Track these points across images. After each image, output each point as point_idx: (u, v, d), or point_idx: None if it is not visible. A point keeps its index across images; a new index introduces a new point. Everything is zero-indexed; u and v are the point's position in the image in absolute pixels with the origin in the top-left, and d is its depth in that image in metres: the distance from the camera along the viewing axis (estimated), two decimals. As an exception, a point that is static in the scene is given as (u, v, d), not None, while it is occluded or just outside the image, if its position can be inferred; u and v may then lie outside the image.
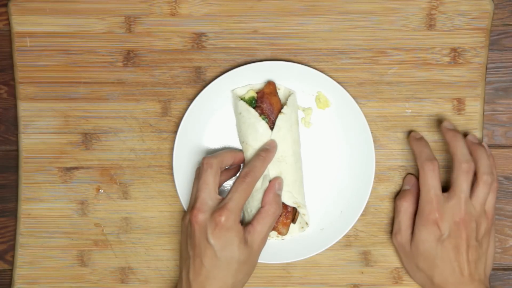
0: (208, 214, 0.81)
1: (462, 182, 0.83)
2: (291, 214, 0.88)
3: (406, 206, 0.87)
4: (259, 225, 0.82)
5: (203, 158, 0.83)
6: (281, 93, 0.89)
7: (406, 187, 0.89)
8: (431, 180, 0.83)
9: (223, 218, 0.80)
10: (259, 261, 0.87)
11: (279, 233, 0.88)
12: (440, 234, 0.83)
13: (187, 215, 0.83)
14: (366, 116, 0.88)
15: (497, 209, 0.92)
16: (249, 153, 0.86)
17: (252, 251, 0.82)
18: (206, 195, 0.82)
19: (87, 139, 0.91)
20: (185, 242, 0.83)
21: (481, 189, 0.84)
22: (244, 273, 0.82)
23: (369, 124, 0.88)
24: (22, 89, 0.91)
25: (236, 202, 0.81)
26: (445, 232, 0.83)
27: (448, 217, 0.83)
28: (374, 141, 0.89)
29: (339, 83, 0.88)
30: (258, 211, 0.83)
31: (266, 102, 0.87)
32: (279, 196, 0.85)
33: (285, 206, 0.87)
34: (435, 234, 0.83)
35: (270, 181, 0.85)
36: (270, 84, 0.88)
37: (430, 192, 0.83)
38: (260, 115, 0.86)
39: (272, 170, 0.85)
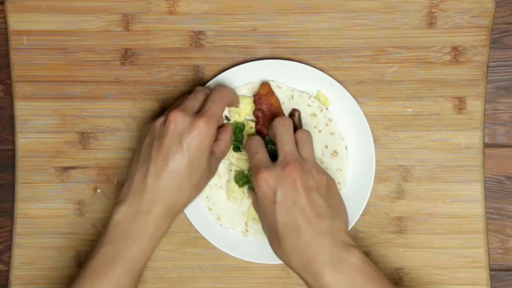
0: (188, 117, 0.78)
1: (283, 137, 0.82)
2: None
3: None
4: (224, 135, 0.83)
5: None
6: (282, 92, 0.89)
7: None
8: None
9: (204, 125, 0.78)
10: (258, 261, 0.87)
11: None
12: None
13: (162, 116, 0.80)
14: (366, 115, 0.88)
15: (498, 209, 0.91)
16: None
17: (216, 163, 0.82)
18: (191, 103, 0.81)
19: (84, 138, 0.91)
20: (148, 144, 0.79)
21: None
22: (201, 188, 0.81)
23: (369, 123, 0.88)
24: (19, 88, 0.91)
25: (215, 110, 0.80)
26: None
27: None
28: (374, 141, 0.88)
29: (339, 81, 0.88)
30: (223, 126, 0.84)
31: (265, 103, 0.87)
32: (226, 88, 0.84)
33: None
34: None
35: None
36: (265, 85, 0.88)
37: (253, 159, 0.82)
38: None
39: None
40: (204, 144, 0.78)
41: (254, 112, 0.88)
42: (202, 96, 0.82)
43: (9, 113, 0.92)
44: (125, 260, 0.77)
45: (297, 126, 0.88)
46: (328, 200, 0.79)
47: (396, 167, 0.90)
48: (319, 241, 0.77)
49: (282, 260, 0.80)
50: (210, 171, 0.82)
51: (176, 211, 0.80)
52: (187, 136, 0.77)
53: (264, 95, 0.87)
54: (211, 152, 0.81)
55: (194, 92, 0.83)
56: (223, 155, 0.84)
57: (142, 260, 0.78)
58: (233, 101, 0.85)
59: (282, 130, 0.82)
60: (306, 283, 0.79)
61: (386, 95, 0.90)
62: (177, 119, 0.78)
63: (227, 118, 0.89)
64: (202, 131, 0.78)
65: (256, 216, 0.89)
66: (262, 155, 0.81)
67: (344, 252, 0.77)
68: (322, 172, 0.81)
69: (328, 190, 0.80)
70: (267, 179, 0.78)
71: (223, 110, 0.82)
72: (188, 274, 0.91)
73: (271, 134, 0.84)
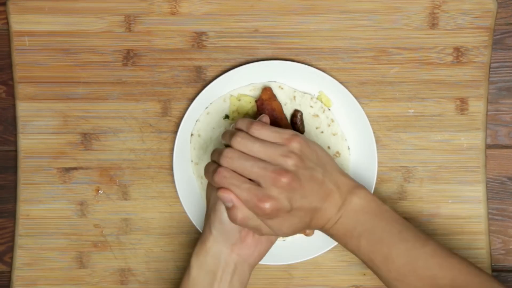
0: None
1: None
2: None
3: None
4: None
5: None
6: (284, 93, 0.89)
7: None
8: None
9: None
10: (260, 262, 0.87)
11: (306, 234, 0.88)
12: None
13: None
14: (368, 116, 0.88)
15: (500, 210, 0.91)
16: None
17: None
18: None
19: (87, 139, 0.91)
20: None
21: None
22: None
23: (371, 124, 0.88)
24: (21, 89, 0.91)
25: None
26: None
27: None
28: (376, 141, 0.88)
29: (340, 82, 0.88)
30: None
31: (267, 108, 0.87)
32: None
33: None
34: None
35: None
36: (267, 90, 0.88)
37: None
38: None
39: None
40: None
41: (257, 118, 0.88)
42: None
43: (11, 114, 0.92)
44: None
45: (299, 127, 0.88)
46: (307, 165, 0.77)
47: (398, 168, 0.90)
48: (326, 204, 0.78)
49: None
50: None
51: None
52: None
53: (266, 100, 0.87)
54: None
55: None
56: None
57: None
58: None
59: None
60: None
61: (388, 96, 0.90)
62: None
63: (227, 116, 0.89)
64: None
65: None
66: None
67: (348, 196, 0.78)
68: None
69: (301, 158, 0.77)
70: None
71: None
72: (190, 275, 0.91)
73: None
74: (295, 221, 0.76)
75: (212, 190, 0.81)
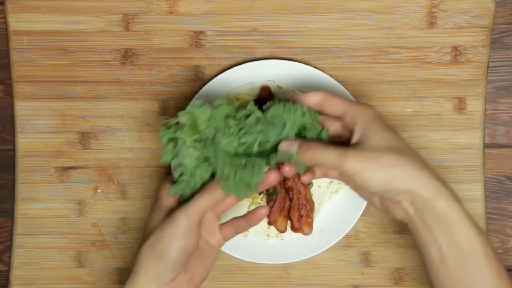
0: None
1: None
2: (311, 213, 0.88)
3: None
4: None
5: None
6: (282, 92, 0.89)
7: None
8: None
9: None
10: (259, 261, 0.87)
11: (304, 233, 0.88)
12: None
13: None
14: (366, 115, 0.88)
15: (498, 209, 0.91)
16: None
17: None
18: None
19: (85, 138, 0.91)
20: None
21: None
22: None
23: (369, 123, 0.88)
24: (19, 88, 0.90)
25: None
26: None
27: None
28: (375, 141, 0.88)
29: (339, 82, 0.88)
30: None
31: None
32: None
33: (304, 205, 0.87)
34: None
35: None
36: (265, 89, 0.88)
37: None
38: None
39: None
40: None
41: None
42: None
43: (10, 113, 0.92)
44: None
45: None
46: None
47: (396, 167, 0.90)
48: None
49: None
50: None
51: None
52: None
53: (264, 99, 0.87)
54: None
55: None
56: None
57: None
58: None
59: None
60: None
61: (386, 95, 0.90)
62: None
63: None
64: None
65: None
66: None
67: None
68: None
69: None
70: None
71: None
72: (188, 274, 0.91)
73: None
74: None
75: (151, 220, 0.77)
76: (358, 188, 0.75)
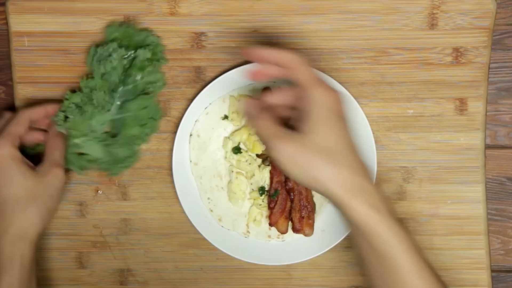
0: None
1: None
2: (313, 214, 0.88)
3: None
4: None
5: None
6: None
7: None
8: None
9: None
10: (259, 262, 0.87)
11: (305, 235, 0.88)
12: None
13: None
14: (367, 117, 0.88)
15: (499, 210, 0.91)
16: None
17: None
18: None
19: (86, 139, 0.90)
20: None
21: None
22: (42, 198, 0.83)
23: (370, 125, 0.88)
24: (20, 89, 0.90)
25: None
26: None
27: None
28: (376, 142, 0.88)
29: (340, 83, 0.88)
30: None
31: None
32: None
33: (306, 206, 0.87)
34: None
35: None
36: (266, 90, 0.87)
37: None
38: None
39: None
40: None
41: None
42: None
43: (11, 114, 0.92)
44: None
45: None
46: None
47: (397, 168, 0.90)
48: None
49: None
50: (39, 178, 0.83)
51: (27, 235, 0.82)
52: None
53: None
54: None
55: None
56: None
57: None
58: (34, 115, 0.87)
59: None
60: None
61: (387, 96, 0.90)
62: None
63: (226, 117, 0.89)
64: None
65: (258, 217, 0.89)
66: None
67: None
68: None
69: None
70: None
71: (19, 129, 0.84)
72: (189, 275, 0.91)
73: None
74: None
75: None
76: (276, 163, 0.74)
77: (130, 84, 0.87)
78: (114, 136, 0.88)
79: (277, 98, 0.77)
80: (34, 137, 0.86)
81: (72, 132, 0.85)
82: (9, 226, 0.80)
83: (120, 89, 0.86)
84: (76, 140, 0.86)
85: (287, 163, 0.72)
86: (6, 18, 0.90)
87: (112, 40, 0.87)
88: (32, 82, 0.90)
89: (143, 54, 0.86)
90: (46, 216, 0.83)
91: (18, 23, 0.90)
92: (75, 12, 0.90)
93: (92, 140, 0.86)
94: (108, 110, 0.86)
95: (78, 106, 0.86)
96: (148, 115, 0.88)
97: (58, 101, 0.87)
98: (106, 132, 0.88)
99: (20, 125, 0.84)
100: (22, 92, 0.90)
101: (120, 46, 0.86)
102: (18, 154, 0.82)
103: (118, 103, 0.87)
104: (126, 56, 0.86)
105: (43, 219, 0.83)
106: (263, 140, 0.74)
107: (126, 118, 0.87)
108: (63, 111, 0.86)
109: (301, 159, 0.71)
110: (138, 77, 0.87)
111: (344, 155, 0.72)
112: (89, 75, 0.88)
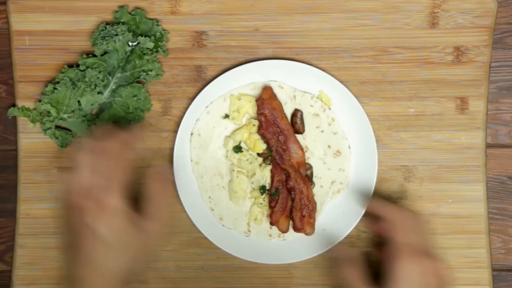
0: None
1: None
2: (314, 213, 0.88)
3: None
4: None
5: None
6: (285, 92, 0.89)
7: None
8: None
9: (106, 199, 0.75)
10: (261, 261, 0.87)
11: (306, 234, 0.88)
12: None
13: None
14: (368, 115, 0.88)
15: (500, 209, 0.91)
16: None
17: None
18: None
19: (87, 138, 0.90)
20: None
21: None
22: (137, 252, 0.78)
23: (371, 124, 0.88)
24: (21, 88, 0.90)
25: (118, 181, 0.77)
26: None
27: None
28: (377, 141, 0.88)
29: (341, 82, 0.88)
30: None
31: (267, 108, 0.87)
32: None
33: (306, 205, 0.87)
34: None
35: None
36: (267, 89, 0.88)
37: None
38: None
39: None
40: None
41: (257, 116, 0.88)
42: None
43: (12, 113, 0.92)
44: None
45: (299, 127, 0.88)
46: None
47: (398, 167, 0.90)
48: None
49: None
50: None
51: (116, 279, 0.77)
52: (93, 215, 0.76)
53: (266, 99, 0.87)
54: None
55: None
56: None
57: None
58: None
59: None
60: None
61: (388, 95, 0.90)
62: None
63: (227, 116, 0.89)
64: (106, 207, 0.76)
65: (259, 216, 0.89)
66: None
67: None
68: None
69: None
70: None
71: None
72: (190, 274, 0.91)
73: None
74: None
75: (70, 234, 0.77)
76: None
77: (128, 71, 0.87)
78: (98, 116, 0.88)
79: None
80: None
81: (61, 106, 0.85)
82: (98, 266, 0.76)
83: (118, 74, 0.87)
84: (64, 115, 0.86)
85: None
86: (7, 17, 0.90)
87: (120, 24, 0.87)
88: (33, 81, 0.90)
89: (145, 42, 0.86)
90: (138, 264, 0.79)
91: (19, 22, 0.90)
92: (76, 11, 0.90)
93: (79, 118, 0.87)
94: (101, 93, 0.86)
95: (72, 82, 0.86)
96: (136, 104, 0.88)
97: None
98: (94, 115, 0.88)
99: (128, 172, 0.79)
100: (23, 91, 0.90)
101: (129, 31, 0.86)
102: (125, 207, 0.76)
103: (113, 87, 0.87)
104: (131, 42, 0.86)
105: (135, 266, 0.78)
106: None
107: (114, 102, 0.88)
108: (55, 83, 0.86)
109: None
110: (136, 64, 0.87)
111: None
112: (89, 54, 0.88)
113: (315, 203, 0.89)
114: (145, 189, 0.81)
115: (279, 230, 0.89)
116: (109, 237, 0.75)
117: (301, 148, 0.88)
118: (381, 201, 0.85)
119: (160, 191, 0.81)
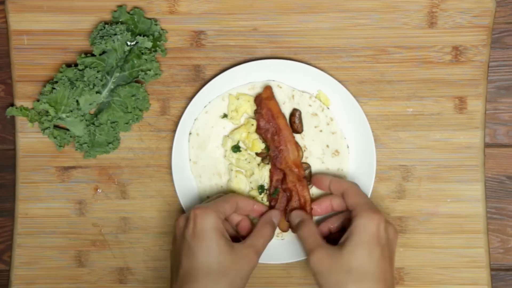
0: None
1: None
2: (310, 214, 0.88)
3: None
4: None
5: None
6: (283, 92, 0.89)
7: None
8: None
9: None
10: (259, 261, 0.86)
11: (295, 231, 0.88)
12: None
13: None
14: (367, 115, 0.88)
15: (499, 209, 0.91)
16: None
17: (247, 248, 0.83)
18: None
19: (85, 138, 0.90)
20: None
21: None
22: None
23: (370, 123, 0.88)
24: (20, 88, 0.90)
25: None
26: None
27: None
28: (375, 140, 0.88)
29: (339, 81, 0.88)
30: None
31: (264, 107, 0.87)
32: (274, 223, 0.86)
33: (302, 206, 0.87)
34: None
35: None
36: (267, 89, 0.88)
37: None
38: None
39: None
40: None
41: (254, 114, 0.88)
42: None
43: (10, 113, 0.92)
44: None
45: (297, 126, 0.88)
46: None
47: (397, 167, 0.90)
48: None
49: None
50: (237, 256, 0.81)
51: None
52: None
53: (264, 99, 0.87)
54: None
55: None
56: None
57: None
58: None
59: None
60: None
61: (387, 94, 0.90)
62: None
63: (225, 115, 0.89)
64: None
65: (257, 216, 0.89)
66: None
67: None
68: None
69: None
70: None
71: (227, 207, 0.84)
72: (188, 274, 0.91)
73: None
74: None
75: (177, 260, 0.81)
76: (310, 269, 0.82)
77: (127, 71, 0.87)
78: (96, 116, 0.88)
79: (324, 211, 0.87)
80: (236, 220, 0.86)
81: (59, 105, 0.85)
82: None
83: (116, 74, 0.87)
84: (62, 115, 0.86)
85: (320, 275, 0.79)
86: (5, 17, 0.90)
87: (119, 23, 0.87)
88: (32, 81, 0.90)
89: (144, 42, 0.86)
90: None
91: (17, 21, 0.90)
92: (74, 11, 0.90)
93: (78, 117, 0.87)
94: (99, 93, 0.86)
95: (71, 82, 0.86)
96: (135, 103, 0.88)
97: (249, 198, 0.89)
98: (92, 114, 0.88)
99: (228, 204, 0.83)
100: (22, 90, 0.90)
101: (127, 30, 0.86)
102: (221, 226, 0.81)
103: (112, 87, 0.87)
104: (129, 42, 0.86)
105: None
106: (305, 247, 0.82)
107: (113, 102, 0.88)
108: (53, 83, 0.86)
109: (334, 276, 0.78)
110: (135, 63, 0.87)
111: (374, 282, 0.78)
112: (88, 54, 0.88)
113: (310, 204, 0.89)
114: (254, 227, 0.86)
115: (279, 229, 0.89)
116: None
117: (298, 149, 0.88)
118: (330, 178, 0.86)
119: (266, 231, 0.85)
